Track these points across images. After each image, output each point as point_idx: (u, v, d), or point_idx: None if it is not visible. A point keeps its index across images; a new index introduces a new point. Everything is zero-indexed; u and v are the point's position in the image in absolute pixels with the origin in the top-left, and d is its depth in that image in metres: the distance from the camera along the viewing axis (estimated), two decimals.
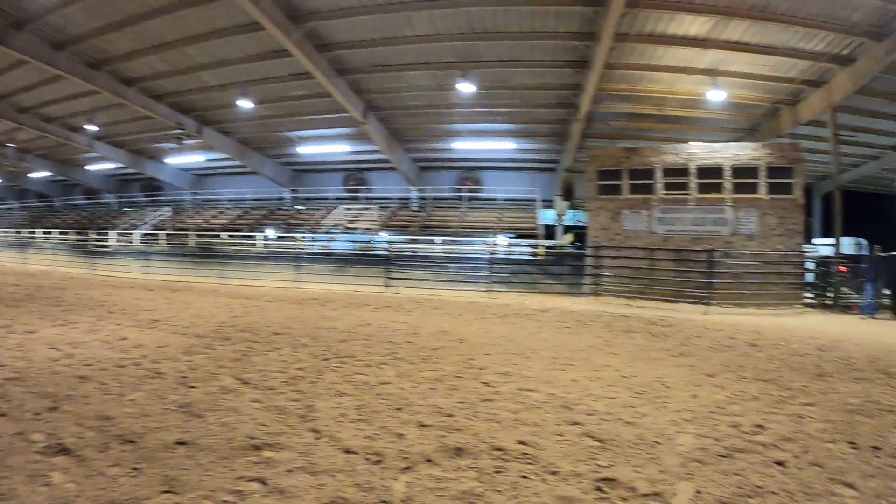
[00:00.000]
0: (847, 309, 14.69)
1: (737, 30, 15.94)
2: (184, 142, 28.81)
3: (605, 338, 8.66)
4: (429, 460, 3.33)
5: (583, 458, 3.50)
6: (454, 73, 20.08)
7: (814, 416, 4.71)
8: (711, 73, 18.16)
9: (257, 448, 3.45)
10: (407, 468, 3.21)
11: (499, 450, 3.55)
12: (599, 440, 3.84)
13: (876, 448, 4.04)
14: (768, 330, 10.43)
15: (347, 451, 3.43)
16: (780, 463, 3.63)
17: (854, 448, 4.00)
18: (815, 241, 23.63)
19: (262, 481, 3.02)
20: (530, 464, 3.34)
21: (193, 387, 4.80)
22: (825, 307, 15.02)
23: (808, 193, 31.94)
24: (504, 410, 4.41)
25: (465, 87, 20.55)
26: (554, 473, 3.23)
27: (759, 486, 3.23)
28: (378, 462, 3.28)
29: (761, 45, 16.51)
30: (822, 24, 15.27)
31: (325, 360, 6.09)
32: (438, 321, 9.94)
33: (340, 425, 3.91)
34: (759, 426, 4.35)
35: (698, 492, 3.13)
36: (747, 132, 23.50)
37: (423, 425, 3.96)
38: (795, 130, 21.64)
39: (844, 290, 15.70)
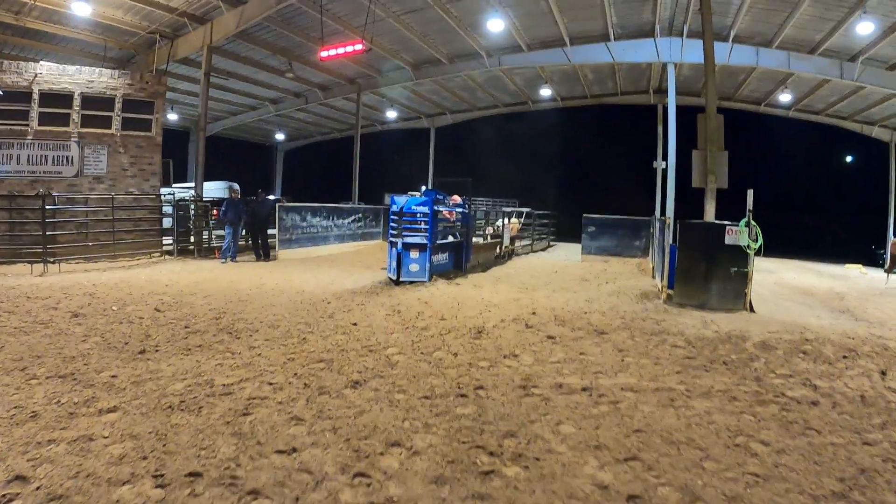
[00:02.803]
0: (211, 253, 15.93)
1: None
2: None
3: None
4: None
5: None
6: None
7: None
8: None
9: None
10: None
11: None
12: None
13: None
14: (109, 289, 9.71)
15: None
16: None
17: None
18: (183, 184, 25.32)
19: None
20: None
21: None
22: (187, 253, 15.71)
23: (187, 136, 34.70)
24: None
25: None
26: None
27: None
28: None
29: None
30: None
31: None
32: None
33: None
34: None
35: None
36: (121, 62, 22.12)
37: None
38: (176, 69, 21.65)
39: (209, 234, 17.02)
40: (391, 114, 30.90)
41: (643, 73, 24.25)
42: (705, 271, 9.78)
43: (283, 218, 15.72)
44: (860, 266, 23.06)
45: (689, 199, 24.28)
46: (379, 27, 17.80)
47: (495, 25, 17.64)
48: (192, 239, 16.29)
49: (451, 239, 12.54)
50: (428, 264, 10.94)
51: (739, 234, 9.67)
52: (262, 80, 24.78)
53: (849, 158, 31.23)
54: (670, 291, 10.17)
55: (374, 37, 18.99)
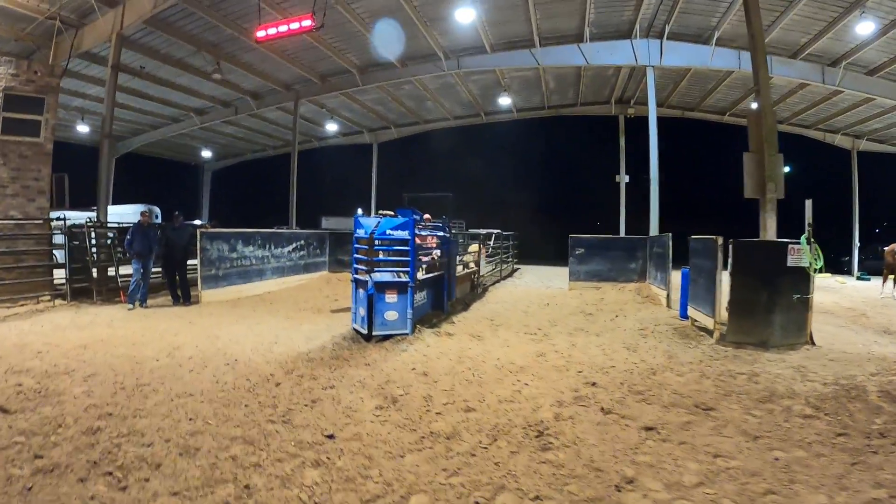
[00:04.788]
0: (116, 294, 12.19)
1: None
2: None
3: None
4: None
5: None
6: None
7: None
8: None
9: None
10: None
11: None
12: None
13: None
14: None
15: None
16: None
17: None
18: (93, 208, 20.99)
19: None
20: None
21: None
22: (86, 295, 11.94)
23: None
24: None
25: None
26: None
27: None
28: None
29: None
30: None
31: None
32: None
33: None
34: None
35: None
36: (19, 58, 18.43)
37: None
38: (85, 69, 18.31)
39: (116, 269, 13.45)
40: (331, 127, 27.70)
41: (607, 81, 22.35)
42: (767, 301, 7.89)
43: (206, 248, 12.19)
44: (830, 275, 22.04)
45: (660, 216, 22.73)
46: (325, 19, 14.90)
47: (464, 16, 14.98)
48: (94, 275, 12.53)
49: (429, 272, 9.70)
50: (410, 310, 7.96)
51: (803, 253, 7.92)
52: (185, 86, 21.13)
53: (812, 167, 30.58)
54: (723, 328, 8.12)
55: (319, 32, 16.14)
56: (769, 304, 7.88)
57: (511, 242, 21.54)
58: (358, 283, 8.20)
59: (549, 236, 29.78)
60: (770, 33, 16.18)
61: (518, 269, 22.70)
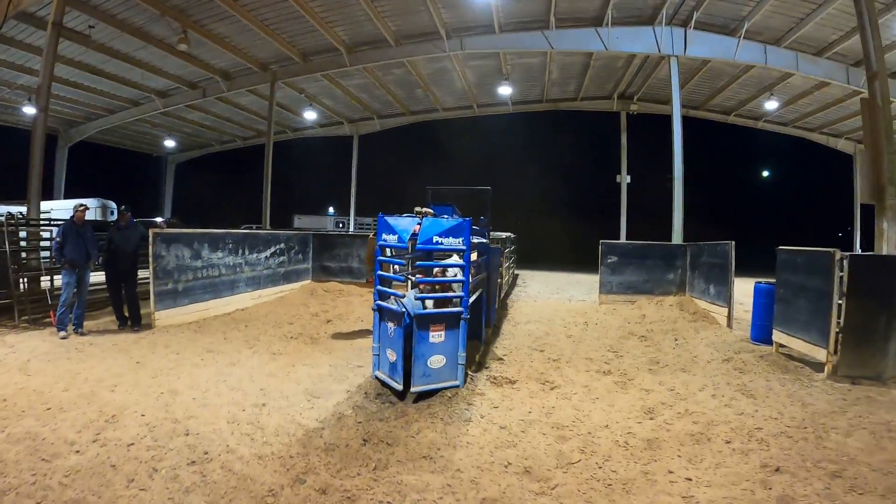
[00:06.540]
0: (46, 314, 9.12)
1: None
2: None
3: None
4: None
5: None
6: None
7: None
8: None
9: None
10: None
11: None
12: None
13: None
14: None
15: None
16: None
17: None
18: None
19: None
20: None
21: None
22: (6, 314, 8.90)
23: (54, 142, 26.08)
24: None
25: None
26: None
27: None
28: None
29: None
30: None
31: None
32: None
33: None
34: None
35: None
36: None
37: None
38: (30, 37, 15.17)
39: (51, 281, 10.20)
40: (309, 115, 24.47)
41: (614, 74, 20.14)
42: (885, 327, 6.40)
43: (162, 255, 9.05)
44: None
45: (642, 219, 20.98)
46: None
47: None
48: (21, 289, 9.30)
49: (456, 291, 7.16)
50: (462, 352, 5.45)
51: None
52: (145, 61, 17.83)
53: (811, 172, 29.27)
54: (833, 359, 6.46)
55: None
56: (886, 330, 6.41)
57: (512, 247, 19.16)
58: (384, 314, 5.63)
59: (544, 239, 27.70)
60: (801, 28, 14.42)
61: (518, 274, 20.36)
